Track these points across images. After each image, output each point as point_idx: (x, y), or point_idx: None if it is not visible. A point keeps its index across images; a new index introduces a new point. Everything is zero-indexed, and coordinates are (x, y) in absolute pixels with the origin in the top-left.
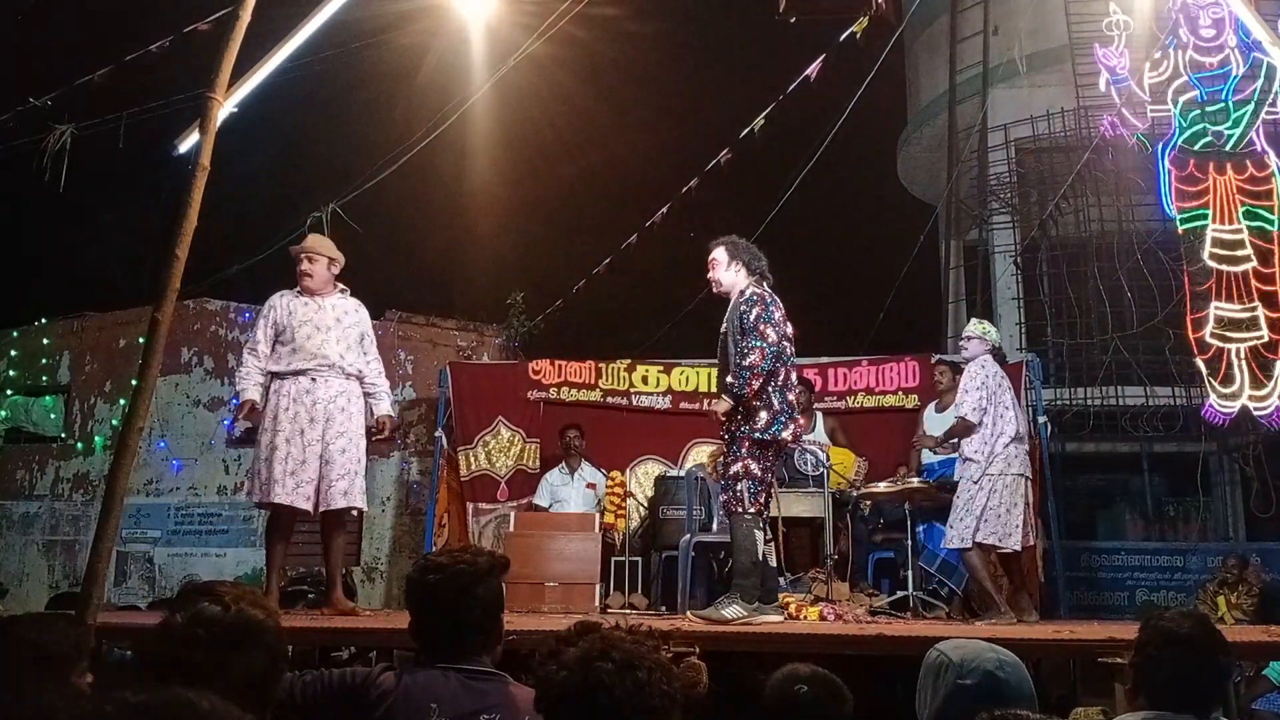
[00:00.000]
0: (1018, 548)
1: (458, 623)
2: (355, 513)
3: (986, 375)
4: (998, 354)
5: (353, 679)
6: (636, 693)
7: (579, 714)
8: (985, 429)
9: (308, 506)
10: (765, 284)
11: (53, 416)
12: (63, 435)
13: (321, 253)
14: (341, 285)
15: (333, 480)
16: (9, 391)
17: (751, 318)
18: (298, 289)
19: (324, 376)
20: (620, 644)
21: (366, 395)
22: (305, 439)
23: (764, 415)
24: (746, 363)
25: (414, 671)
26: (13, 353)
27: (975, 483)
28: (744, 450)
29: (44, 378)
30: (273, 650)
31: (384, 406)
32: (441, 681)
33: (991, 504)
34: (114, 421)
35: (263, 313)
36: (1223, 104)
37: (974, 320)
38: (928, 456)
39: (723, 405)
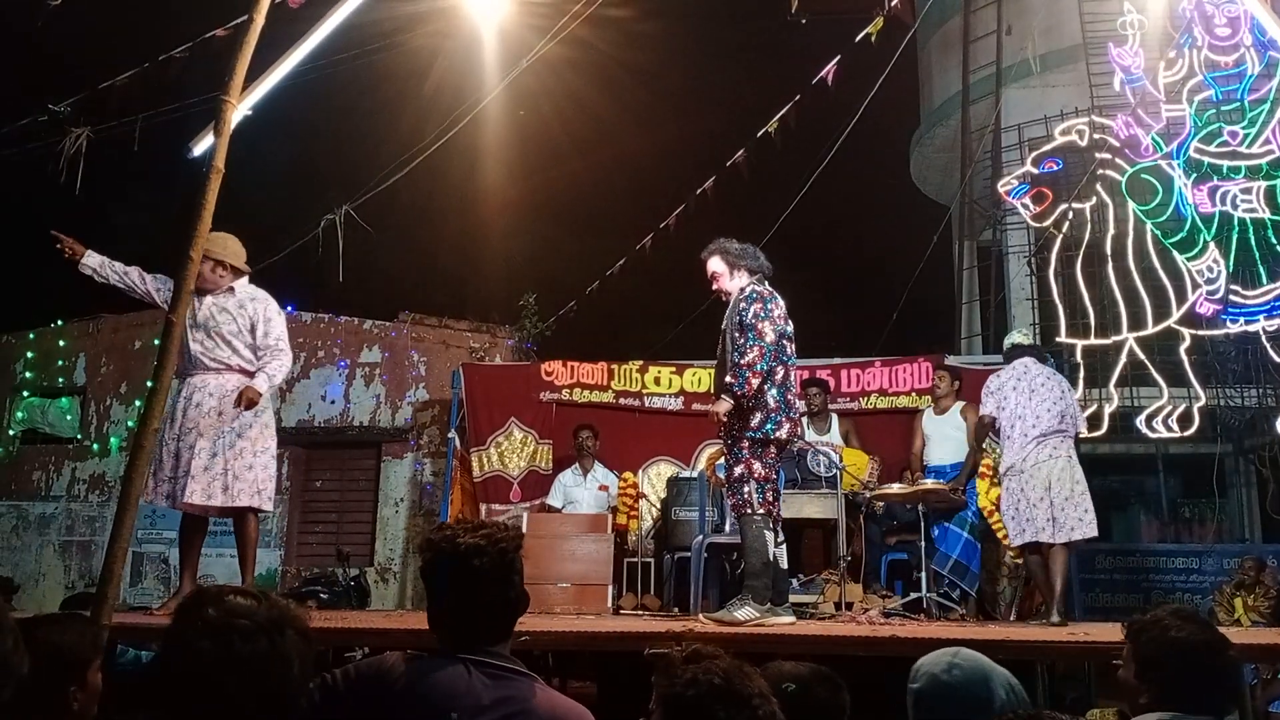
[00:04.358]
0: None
1: (499, 603)
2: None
3: (1001, 380)
4: (1015, 353)
5: (357, 674)
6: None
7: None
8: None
9: (165, 504)
10: (765, 281)
11: (69, 418)
12: (78, 436)
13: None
14: (234, 283)
15: (179, 476)
16: (25, 393)
17: (749, 315)
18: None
19: (186, 375)
20: (756, 677)
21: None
22: (163, 438)
23: (758, 414)
24: (744, 361)
25: (432, 661)
26: (29, 354)
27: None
28: (744, 451)
29: (60, 379)
30: (309, 639)
31: (254, 382)
32: (464, 679)
33: (1005, 504)
34: (129, 423)
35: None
36: (1238, 103)
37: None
38: (936, 459)
39: (724, 405)
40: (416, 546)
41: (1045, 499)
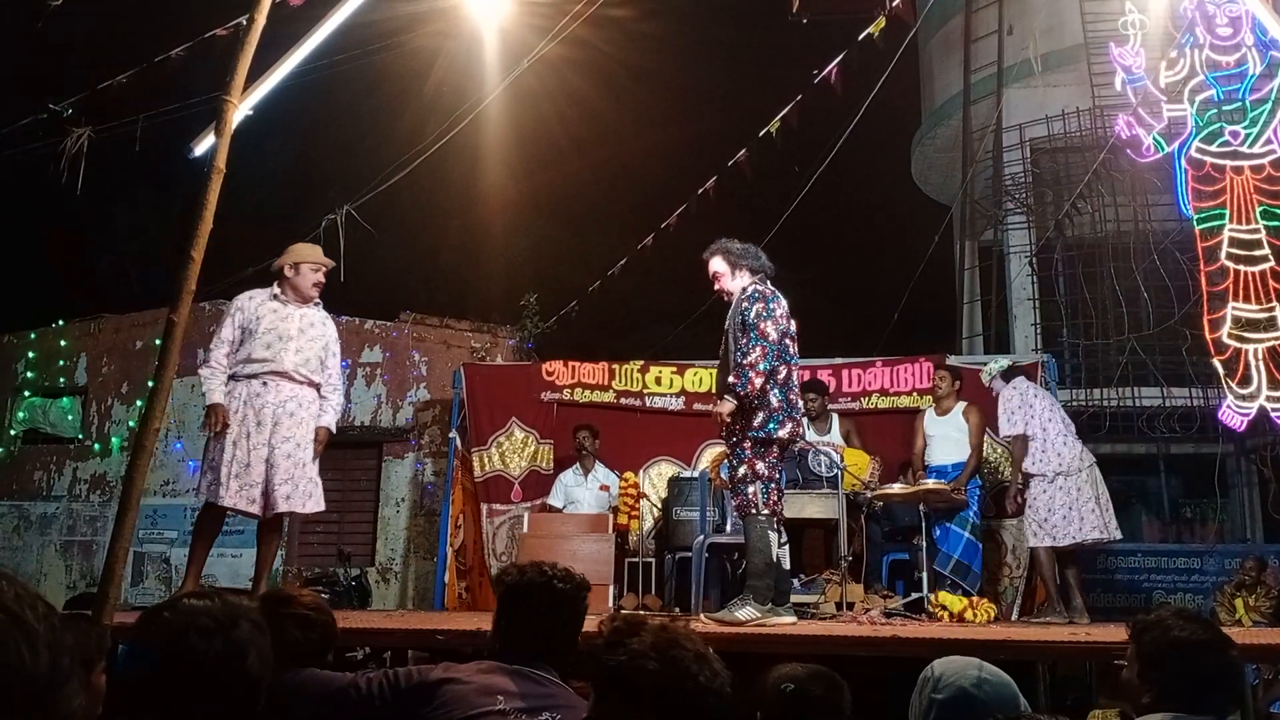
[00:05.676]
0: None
1: (560, 630)
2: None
3: (1020, 392)
4: (1013, 373)
5: (419, 673)
6: (715, 679)
7: (662, 698)
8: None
9: (254, 510)
10: (768, 281)
11: (70, 418)
12: (80, 436)
13: (322, 264)
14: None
15: (276, 484)
16: (27, 393)
17: (752, 315)
18: (272, 293)
19: (275, 381)
20: (689, 637)
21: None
22: (251, 442)
23: (760, 414)
24: (747, 361)
25: (485, 665)
26: (30, 354)
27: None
28: (747, 451)
29: (61, 379)
30: (263, 631)
31: (325, 420)
32: (514, 680)
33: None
34: (131, 423)
35: (229, 311)
36: (1239, 103)
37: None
38: (938, 460)
39: (726, 406)
40: (498, 574)
41: (1092, 497)
